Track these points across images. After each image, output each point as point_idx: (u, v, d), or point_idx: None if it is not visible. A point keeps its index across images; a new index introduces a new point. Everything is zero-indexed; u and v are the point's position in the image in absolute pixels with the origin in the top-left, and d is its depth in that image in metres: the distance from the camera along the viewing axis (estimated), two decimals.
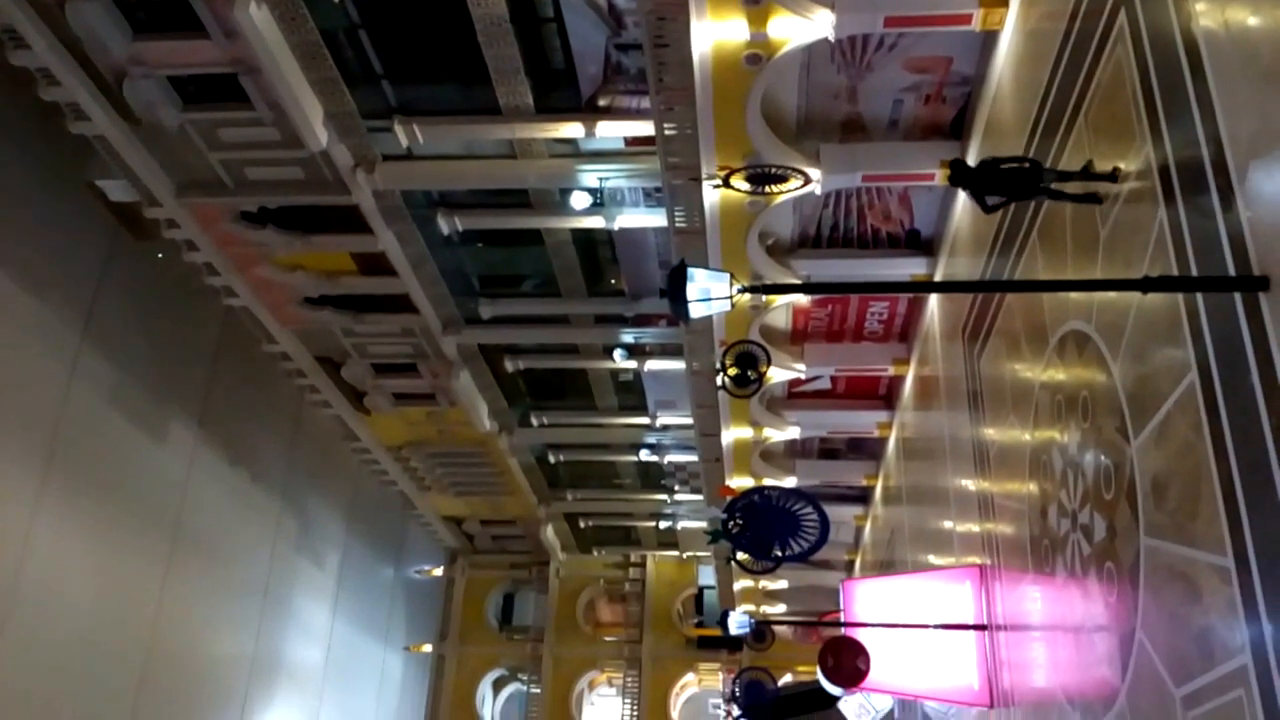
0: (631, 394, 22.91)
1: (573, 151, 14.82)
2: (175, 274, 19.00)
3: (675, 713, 32.64)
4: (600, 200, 15.82)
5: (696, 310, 5.31)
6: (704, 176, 11.24)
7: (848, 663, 11.10)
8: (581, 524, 31.62)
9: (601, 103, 13.68)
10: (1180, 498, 5.32)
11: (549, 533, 30.99)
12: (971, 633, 10.58)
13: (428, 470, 26.62)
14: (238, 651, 24.99)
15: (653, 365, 20.81)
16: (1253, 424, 4.43)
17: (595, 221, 16.16)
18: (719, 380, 14.89)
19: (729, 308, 5.43)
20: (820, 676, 11.53)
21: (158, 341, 21.18)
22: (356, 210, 15.62)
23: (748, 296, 5.48)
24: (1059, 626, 7.98)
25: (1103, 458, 6.60)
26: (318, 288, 18.34)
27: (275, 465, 25.95)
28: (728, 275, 5.36)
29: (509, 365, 21.45)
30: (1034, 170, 6.50)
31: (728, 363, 13.90)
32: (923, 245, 13.19)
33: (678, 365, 18.64)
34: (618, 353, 20.43)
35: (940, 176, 11.02)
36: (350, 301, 19.13)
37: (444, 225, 16.54)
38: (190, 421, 22.40)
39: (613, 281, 18.92)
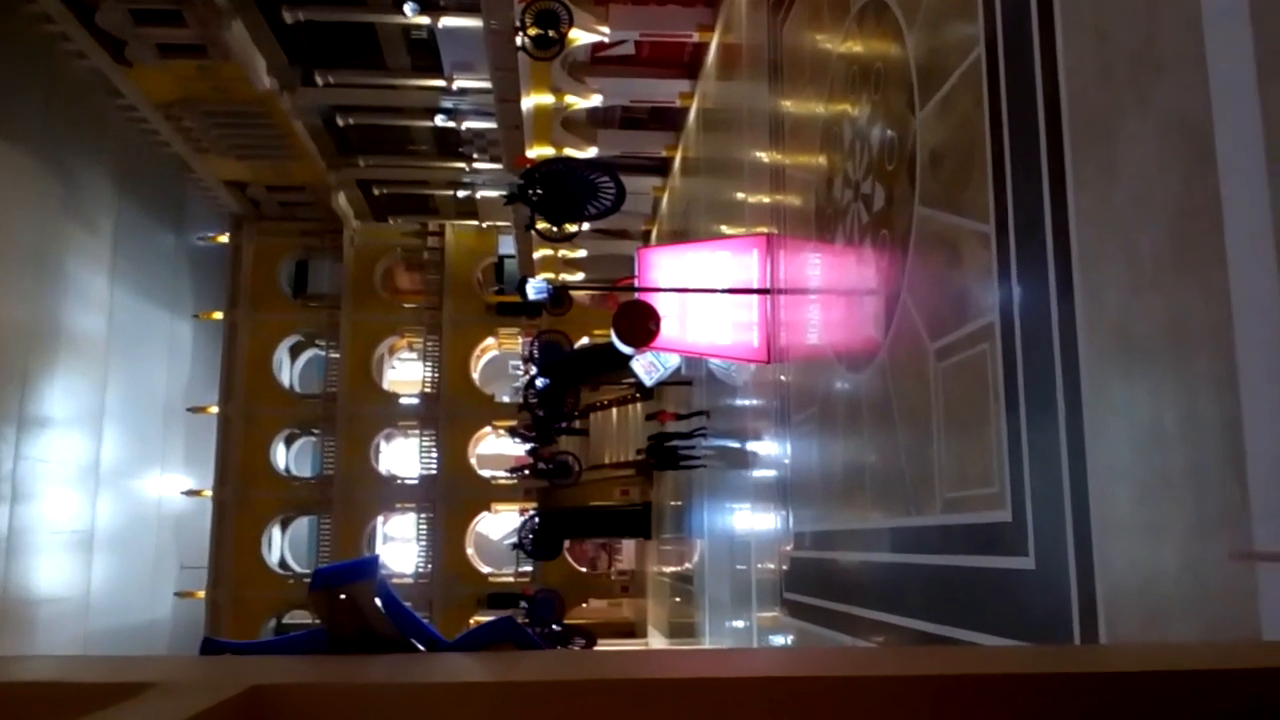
0: (425, 53, 21.62)
1: None
2: None
3: (476, 374, 33.91)
4: None
5: None
6: None
7: (640, 325, 11.67)
8: (375, 191, 30.74)
9: None
10: (954, 168, 5.60)
11: (341, 200, 30.02)
12: (754, 296, 11.23)
13: (203, 131, 24.80)
14: (8, 321, 23.71)
15: (448, 22, 19.54)
16: (1027, 100, 4.61)
17: None
18: (519, 40, 14.24)
19: None
20: (614, 338, 12.12)
21: None
22: None
23: None
24: (833, 290, 8.55)
25: (889, 131, 6.80)
26: None
27: (30, 123, 23.43)
28: None
29: (288, 16, 19.66)
30: None
31: (528, 21, 13.21)
32: None
33: (475, 23, 17.57)
34: (409, 6, 19.00)
35: None
36: None
37: None
38: None
39: None
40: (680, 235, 19.24)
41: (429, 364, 33.23)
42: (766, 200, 11.46)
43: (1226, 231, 3.20)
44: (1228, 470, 3.16)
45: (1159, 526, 3.55)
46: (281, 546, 33.40)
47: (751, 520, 12.02)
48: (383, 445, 34.18)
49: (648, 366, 16.74)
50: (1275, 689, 1.20)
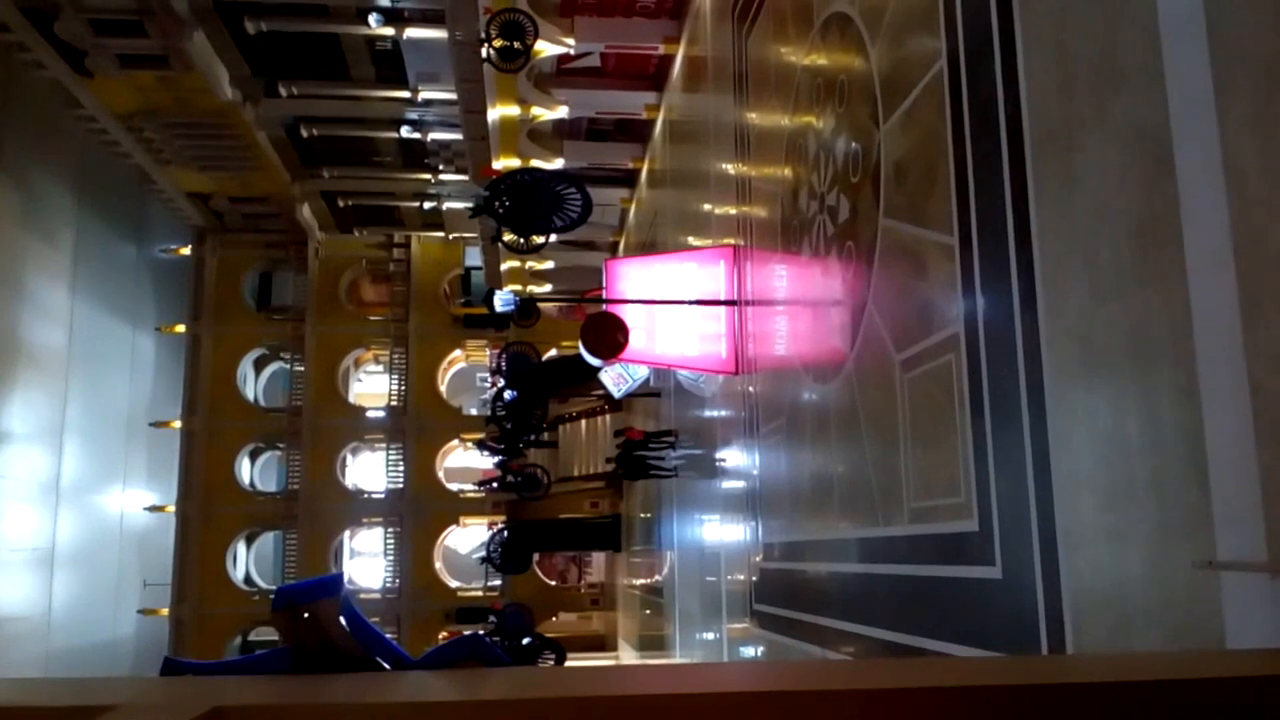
0: (390, 64, 21.55)
1: None
2: None
3: (443, 387, 33.72)
4: None
5: None
6: None
7: (608, 336, 11.66)
8: (340, 203, 30.53)
9: None
10: (918, 180, 5.65)
11: (305, 211, 29.79)
12: (722, 308, 11.26)
13: (165, 142, 24.53)
14: None
15: (413, 33, 19.49)
16: (990, 112, 4.66)
17: None
18: (484, 52, 14.22)
19: None
20: (582, 349, 12.10)
21: None
22: None
23: None
24: (800, 301, 8.59)
25: (853, 143, 6.85)
26: None
27: None
28: None
29: (250, 27, 19.52)
30: None
31: (493, 33, 13.19)
32: None
33: (440, 34, 17.53)
34: (373, 17, 18.94)
35: None
36: None
37: None
38: None
39: None
40: (648, 247, 19.26)
41: (395, 377, 33.00)
42: (733, 212, 11.50)
43: (1186, 241, 3.25)
44: (1190, 478, 3.20)
45: (1123, 535, 3.58)
46: (246, 562, 32.98)
47: (721, 532, 12.03)
48: (349, 459, 33.87)
49: (616, 378, 16.73)
50: (1238, 697, 1.21)
